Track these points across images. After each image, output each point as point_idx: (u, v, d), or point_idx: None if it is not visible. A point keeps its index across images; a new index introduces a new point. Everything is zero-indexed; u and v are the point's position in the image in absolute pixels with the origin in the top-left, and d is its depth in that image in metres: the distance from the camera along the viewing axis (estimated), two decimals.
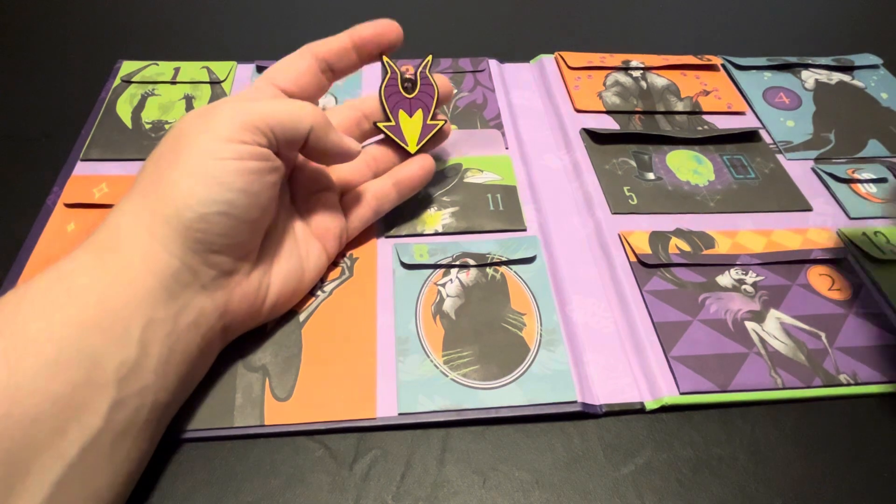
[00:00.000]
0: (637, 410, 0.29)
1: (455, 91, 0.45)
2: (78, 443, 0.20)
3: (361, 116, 0.33)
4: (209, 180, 0.24)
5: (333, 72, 0.31)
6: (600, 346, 0.31)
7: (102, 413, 0.21)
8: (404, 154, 0.34)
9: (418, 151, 0.34)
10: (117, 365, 0.22)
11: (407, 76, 0.33)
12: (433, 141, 0.34)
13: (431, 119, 0.33)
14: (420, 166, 0.33)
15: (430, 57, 0.33)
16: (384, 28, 0.31)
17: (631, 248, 0.35)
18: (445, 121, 0.33)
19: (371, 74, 0.45)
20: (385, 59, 0.32)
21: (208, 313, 0.25)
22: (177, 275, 0.24)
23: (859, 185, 0.40)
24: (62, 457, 0.20)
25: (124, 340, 0.22)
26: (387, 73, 0.32)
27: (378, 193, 0.33)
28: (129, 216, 0.24)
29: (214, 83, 0.44)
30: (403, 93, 0.33)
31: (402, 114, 0.33)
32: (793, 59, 0.49)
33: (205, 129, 0.25)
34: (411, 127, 0.33)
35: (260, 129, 0.25)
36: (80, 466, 0.20)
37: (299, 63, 0.29)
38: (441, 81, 0.33)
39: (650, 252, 0.34)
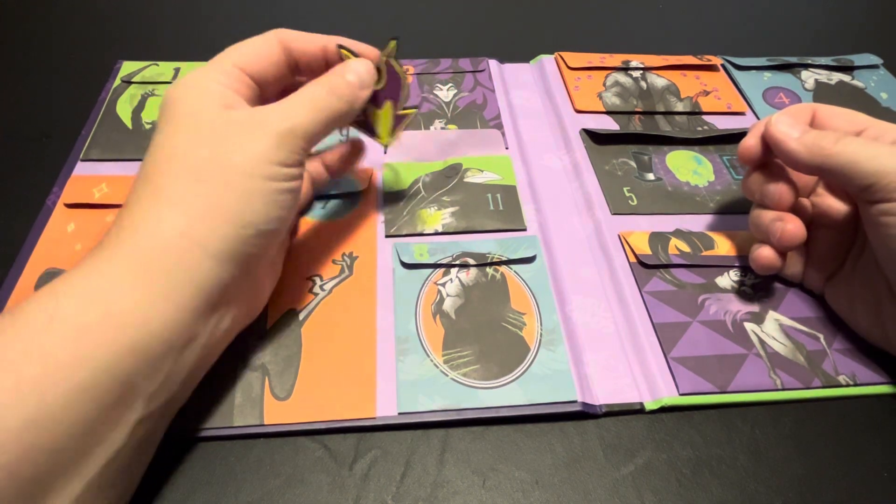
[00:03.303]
0: (637, 411, 0.29)
1: (455, 93, 0.45)
2: (100, 461, 0.20)
3: None
4: (267, 199, 0.24)
5: (300, 71, 0.30)
6: (600, 347, 0.31)
7: (127, 430, 0.21)
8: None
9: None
10: (149, 384, 0.21)
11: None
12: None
13: (402, 109, 0.31)
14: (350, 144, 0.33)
15: (392, 42, 0.30)
16: (362, 52, 0.29)
17: (631, 248, 0.35)
18: (417, 107, 0.31)
19: None
20: (343, 51, 0.29)
21: (239, 318, 0.25)
22: (222, 288, 0.23)
23: None
24: (83, 476, 0.20)
25: (161, 361, 0.22)
26: None
27: (312, 173, 0.32)
28: (176, 231, 0.22)
29: None
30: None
31: (370, 107, 0.31)
32: (793, 60, 0.49)
33: (250, 147, 0.24)
34: (381, 119, 0.31)
35: (303, 146, 0.25)
36: (97, 482, 0.20)
37: (264, 48, 0.27)
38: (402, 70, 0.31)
39: (650, 253, 0.34)
